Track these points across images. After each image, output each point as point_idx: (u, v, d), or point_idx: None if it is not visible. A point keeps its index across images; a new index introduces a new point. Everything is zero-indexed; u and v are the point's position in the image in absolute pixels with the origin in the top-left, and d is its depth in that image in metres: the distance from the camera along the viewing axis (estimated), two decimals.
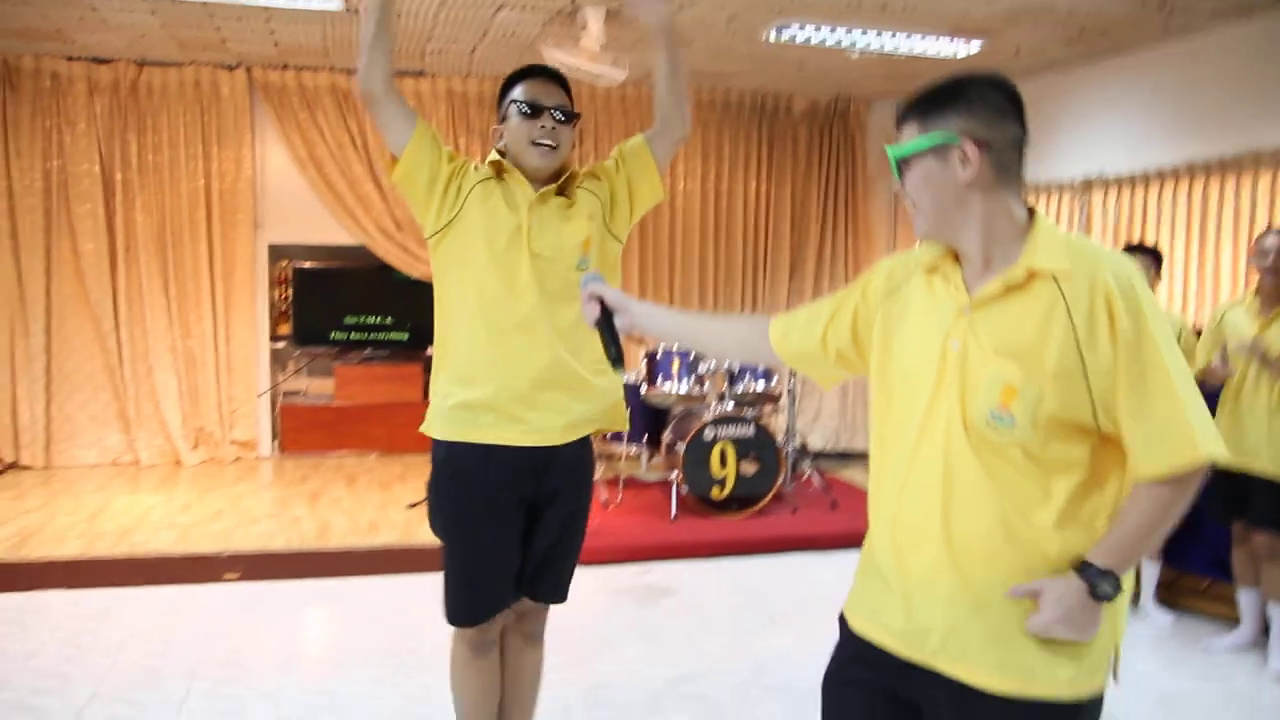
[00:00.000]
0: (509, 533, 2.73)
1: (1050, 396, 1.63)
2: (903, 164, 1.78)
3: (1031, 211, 1.76)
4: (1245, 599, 4.64)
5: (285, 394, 8.45)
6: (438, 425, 2.74)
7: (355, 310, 8.53)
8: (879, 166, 9.12)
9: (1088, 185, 7.05)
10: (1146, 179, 6.62)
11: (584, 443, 2.80)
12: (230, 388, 7.97)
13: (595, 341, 2.39)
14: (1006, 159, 1.73)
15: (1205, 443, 1.60)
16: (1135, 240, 6.16)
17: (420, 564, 5.45)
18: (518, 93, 2.64)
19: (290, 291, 8.47)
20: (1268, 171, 5.82)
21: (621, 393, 2.87)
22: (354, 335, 8.52)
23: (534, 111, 2.61)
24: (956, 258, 1.80)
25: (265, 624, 4.77)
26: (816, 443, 8.76)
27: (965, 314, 1.73)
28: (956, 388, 1.71)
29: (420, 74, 7.97)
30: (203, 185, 7.76)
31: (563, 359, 2.66)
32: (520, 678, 3.03)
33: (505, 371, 2.63)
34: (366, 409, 8.32)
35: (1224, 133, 6.08)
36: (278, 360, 8.40)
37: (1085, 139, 7.13)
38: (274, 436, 8.27)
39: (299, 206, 8.03)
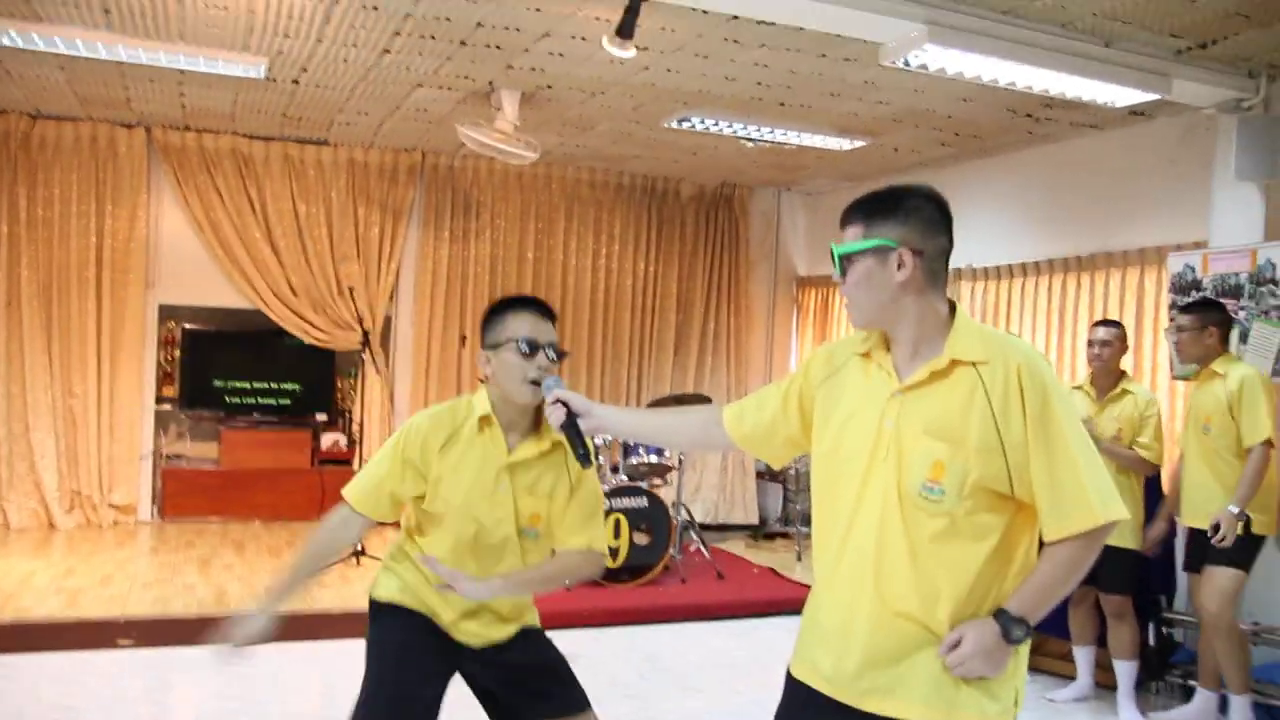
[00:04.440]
0: None
1: (974, 469, 1.87)
2: (845, 260, 2.02)
3: (952, 306, 2.03)
4: (1081, 655, 5.10)
5: (168, 457, 8.25)
6: None
7: (244, 374, 8.41)
8: (760, 250, 9.59)
9: (958, 274, 7.59)
10: (1011, 271, 7.19)
11: None
12: (111, 449, 7.75)
13: None
14: (935, 265, 2.00)
15: (1103, 508, 1.87)
16: (1003, 329, 6.69)
17: (323, 631, 5.42)
18: (515, 328, 2.67)
19: (178, 353, 8.31)
20: (1118, 270, 6.43)
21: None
22: (242, 399, 8.40)
23: (531, 350, 2.66)
24: (887, 344, 2.04)
25: (171, 690, 4.69)
26: (697, 515, 8.99)
27: (897, 396, 1.97)
28: (893, 462, 1.93)
29: (323, 143, 8.04)
30: (94, 243, 7.61)
31: None
32: None
33: None
34: (253, 474, 8.17)
35: (1080, 233, 6.69)
36: (161, 423, 8.21)
37: (956, 232, 7.66)
38: (154, 501, 8.06)
39: (193, 268, 7.95)
